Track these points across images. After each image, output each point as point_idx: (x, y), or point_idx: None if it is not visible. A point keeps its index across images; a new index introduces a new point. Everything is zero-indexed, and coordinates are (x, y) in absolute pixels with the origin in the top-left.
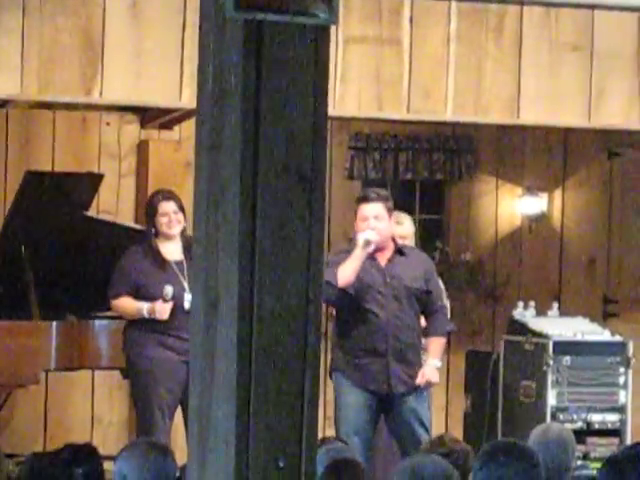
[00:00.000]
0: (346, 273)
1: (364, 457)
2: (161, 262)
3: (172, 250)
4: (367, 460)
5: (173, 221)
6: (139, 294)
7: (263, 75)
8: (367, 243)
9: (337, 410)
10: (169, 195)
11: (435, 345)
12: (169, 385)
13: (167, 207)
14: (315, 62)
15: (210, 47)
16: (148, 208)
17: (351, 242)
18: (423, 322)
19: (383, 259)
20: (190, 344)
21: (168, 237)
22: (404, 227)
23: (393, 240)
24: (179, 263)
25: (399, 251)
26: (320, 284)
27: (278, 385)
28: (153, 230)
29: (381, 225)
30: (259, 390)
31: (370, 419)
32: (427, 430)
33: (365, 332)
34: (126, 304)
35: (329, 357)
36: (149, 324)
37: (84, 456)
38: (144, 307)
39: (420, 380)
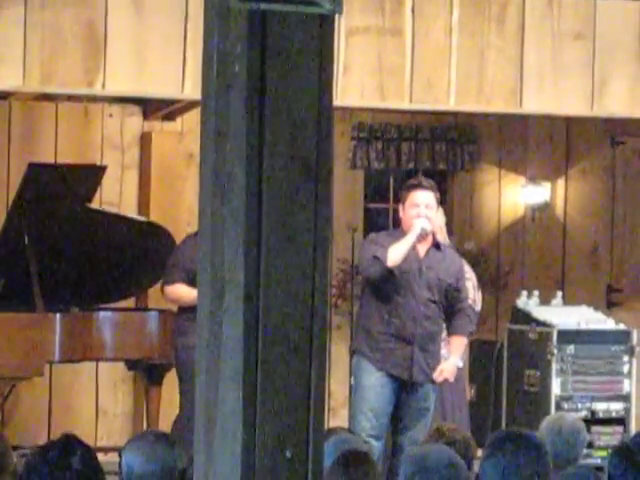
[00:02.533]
0: (397, 254)
1: (381, 439)
2: None
3: None
4: (384, 443)
5: None
6: (193, 281)
7: (267, 65)
8: (425, 231)
9: (356, 391)
10: None
11: (458, 343)
12: None
13: None
14: (320, 52)
15: (214, 37)
16: None
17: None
18: None
19: (422, 250)
20: (197, 335)
21: None
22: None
23: (432, 233)
24: None
25: (437, 245)
26: (327, 274)
27: (284, 376)
28: None
29: (431, 214)
30: (265, 381)
31: (389, 402)
32: (426, 423)
33: (395, 317)
34: (181, 291)
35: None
36: None
37: (73, 445)
38: None
39: (437, 376)
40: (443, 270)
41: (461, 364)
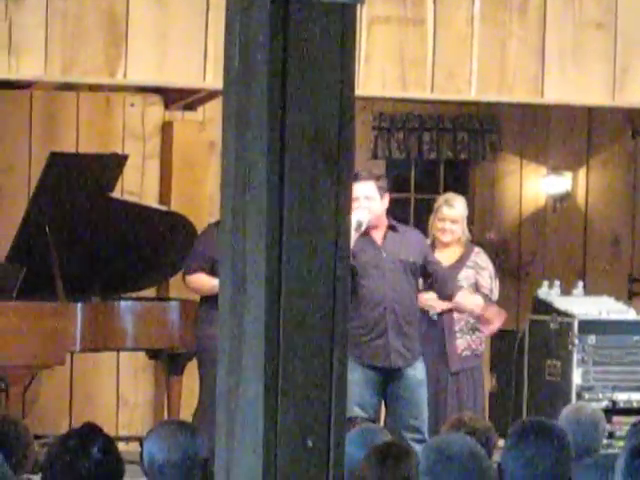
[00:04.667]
0: None
1: None
2: None
3: None
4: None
5: None
6: (214, 271)
7: (289, 54)
8: (359, 224)
9: None
10: None
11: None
12: None
13: None
14: (342, 41)
15: (236, 26)
16: None
17: None
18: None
19: (378, 236)
20: (219, 325)
21: None
22: (455, 210)
23: (387, 217)
24: None
25: (392, 228)
26: (348, 263)
27: (306, 364)
28: None
29: (372, 205)
30: (287, 370)
31: (374, 394)
32: (421, 408)
33: (364, 309)
34: (201, 280)
35: None
36: None
37: (93, 434)
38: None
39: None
40: (404, 251)
41: (481, 302)
